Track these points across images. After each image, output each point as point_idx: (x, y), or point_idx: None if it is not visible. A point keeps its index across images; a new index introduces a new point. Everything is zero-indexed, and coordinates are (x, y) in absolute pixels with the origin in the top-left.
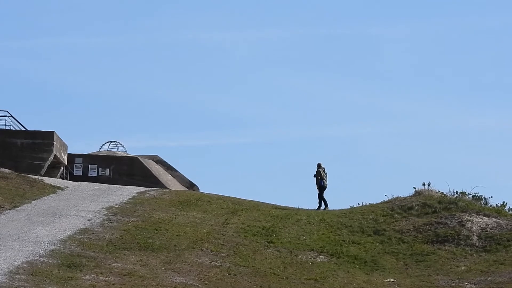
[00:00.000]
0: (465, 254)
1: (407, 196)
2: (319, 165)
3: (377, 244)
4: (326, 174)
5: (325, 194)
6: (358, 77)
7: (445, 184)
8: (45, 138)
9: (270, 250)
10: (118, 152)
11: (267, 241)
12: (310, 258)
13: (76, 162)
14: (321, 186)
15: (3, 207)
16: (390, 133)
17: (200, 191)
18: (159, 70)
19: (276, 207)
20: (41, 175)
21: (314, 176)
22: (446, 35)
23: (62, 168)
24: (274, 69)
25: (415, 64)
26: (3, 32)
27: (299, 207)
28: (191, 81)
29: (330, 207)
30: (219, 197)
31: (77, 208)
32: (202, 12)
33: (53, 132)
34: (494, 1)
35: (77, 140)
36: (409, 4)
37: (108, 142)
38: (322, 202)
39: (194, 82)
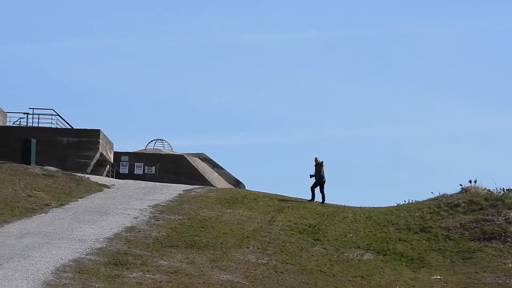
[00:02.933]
0: None
1: (454, 194)
2: (316, 160)
3: (424, 241)
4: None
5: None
6: (399, 78)
7: (492, 181)
8: (91, 136)
9: (316, 248)
10: (164, 150)
11: (313, 239)
12: (357, 256)
13: (122, 160)
14: (321, 179)
15: (49, 205)
16: (436, 133)
17: (246, 188)
18: (204, 70)
19: (322, 205)
20: (87, 173)
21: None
22: (486, 35)
23: (108, 166)
24: (312, 70)
25: (457, 64)
26: (50, 32)
27: (345, 205)
28: (234, 82)
29: (381, 205)
30: (265, 195)
31: (124, 206)
32: (239, 14)
33: (99, 130)
34: None
35: (123, 138)
36: (446, 3)
37: (154, 140)
38: (319, 195)
39: (237, 82)
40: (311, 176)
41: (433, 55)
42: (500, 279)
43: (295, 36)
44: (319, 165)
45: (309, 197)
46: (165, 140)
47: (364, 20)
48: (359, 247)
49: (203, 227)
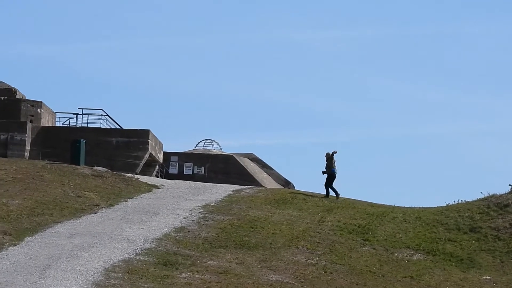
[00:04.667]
0: None
1: (503, 194)
2: (327, 155)
3: (473, 241)
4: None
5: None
6: (452, 76)
7: None
8: (141, 137)
9: (366, 248)
10: (214, 151)
11: (363, 239)
12: (406, 256)
13: (171, 160)
14: (331, 174)
15: (99, 205)
16: (486, 132)
17: (295, 189)
18: (253, 69)
19: (372, 205)
20: (136, 174)
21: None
22: None
23: (157, 166)
24: (366, 68)
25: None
26: (99, 32)
27: (395, 205)
28: (285, 80)
29: (431, 205)
30: (314, 195)
31: (173, 206)
32: (293, 11)
33: (149, 130)
34: None
35: (173, 139)
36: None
37: (203, 140)
38: (331, 191)
39: (287, 81)
40: (323, 172)
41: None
42: None
43: (347, 34)
44: (330, 159)
45: (333, 194)
46: (214, 140)
47: (419, 19)
48: (408, 247)
49: (252, 228)
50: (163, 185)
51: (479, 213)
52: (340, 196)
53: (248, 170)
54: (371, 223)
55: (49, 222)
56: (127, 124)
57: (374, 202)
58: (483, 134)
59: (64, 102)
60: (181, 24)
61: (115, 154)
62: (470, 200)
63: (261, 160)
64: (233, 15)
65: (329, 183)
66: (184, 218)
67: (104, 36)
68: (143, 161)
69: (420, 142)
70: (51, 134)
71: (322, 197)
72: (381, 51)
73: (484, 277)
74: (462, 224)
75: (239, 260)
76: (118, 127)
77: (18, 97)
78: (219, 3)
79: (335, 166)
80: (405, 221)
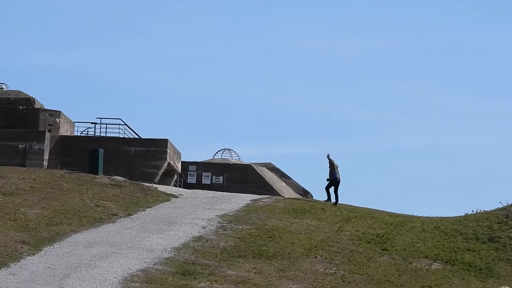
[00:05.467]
0: None
1: None
2: (328, 156)
3: (492, 251)
4: (337, 166)
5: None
6: (472, 84)
7: None
8: (159, 146)
9: (384, 258)
10: (232, 160)
11: (381, 249)
12: (425, 266)
13: (190, 169)
14: (334, 179)
15: (117, 215)
16: (505, 141)
17: (314, 198)
18: (272, 78)
19: (390, 215)
20: (155, 183)
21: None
22: None
23: (176, 175)
24: (385, 77)
25: None
26: (118, 41)
27: (413, 214)
28: (303, 89)
29: (449, 214)
30: (333, 205)
31: (191, 216)
32: (316, 20)
33: (167, 140)
34: None
35: (191, 148)
36: None
37: (221, 149)
38: (333, 196)
39: (306, 89)
40: (327, 180)
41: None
42: None
43: (365, 43)
44: (331, 165)
45: (332, 200)
46: (232, 150)
47: (444, 27)
48: (427, 257)
49: (270, 237)
50: (181, 195)
51: (497, 223)
52: (338, 204)
53: (267, 179)
54: (390, 233)
55: (68, 232)
56: (145, 133)
57: (393, 211)
58: (502, 143)
59: (82, 111)
60: (199, 32)
61: (133, 164)
62: (489, 210)
63: (279, 170)
64: (248, 23)
65: (330, 188)
66: (202, 227)
67: (123, 45)
68: (162, 170)
69: (438, 151)
70: (69, 143)
71: (323, 201)
72: (401, 59)
73: (503, 287)
74: (480, 233)
75: (257, 270)
76: (137, 137)
77: (36, 106)
78: (237, 11)
79: (337, 172)
80: (424, 231)
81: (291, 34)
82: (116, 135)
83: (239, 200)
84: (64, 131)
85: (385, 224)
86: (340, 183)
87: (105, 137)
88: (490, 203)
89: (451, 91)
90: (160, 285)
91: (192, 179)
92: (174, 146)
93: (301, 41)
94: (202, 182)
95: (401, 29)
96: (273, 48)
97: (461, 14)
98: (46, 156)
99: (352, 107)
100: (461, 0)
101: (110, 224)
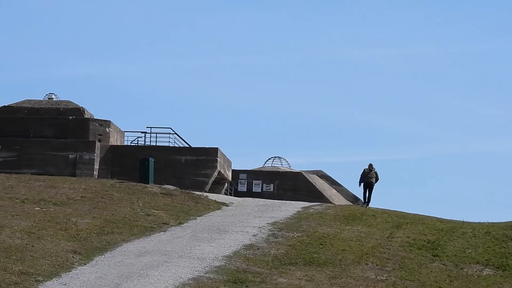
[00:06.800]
0: None
1: None
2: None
3: None
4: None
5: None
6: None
7: None
8: (209, 155)
9: (435, 264)
10: (282, 168)
11: (432, 255)
12: (476, 271)
13: (240, 178)
14: (366, 183)
15: (168, 224)
16: None
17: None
18: (320, 87)
19: (441, 221)
20: (205, 192)
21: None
22: None
23: (226, 184)
24: (427, 85)
25: None
26: (167, 51)
27: (464, 220)
28: (352, 98)
29: (500, 220)
30: (383, 211)
31: (242, 224)
32: (355, 30)
33: (217, 148)
34: None
35: (241, 156)
36: None
37: (272, 157)
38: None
39: (355, 99)
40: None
41: None
42: None
43: (409, 52)
44: (369, 171)
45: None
46: (283, 158)
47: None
48: (478, 263)
49: (321, 244)
50: (232, 203)
51: None
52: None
53: (317, 187)
54: (441, 239)
55: (119, 241)
56: (196, 142)
57: (443, 217)
58: None
59: (132, 121)
60: (247, 43)
61: (184, 172)
62: None
63: (330, 177)
64: (293, 34)
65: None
66: (253, 235)
67: (172, 55)
68: (212, 179)
69: (487, 158)
70: (119, 153)
71: (361, 205)
72: (446, 68)
73: None
74: None
75: (308, 277)
76: (187, 146)
77: (86, 116)
78: (281, 23)
79: (372, 176)
80: (475, 237)
81: (335, 44)
82: (166, 144)
83: (289, 208)
84: (114, 140)
85: (436, 230)
86: (373, 187)
87: (155, 146)
88: None
89: (494, 98)
90: None
91: (242, 187)
92: (224, 155)
93: (345, 51)
94: (253, 190)
95: (444, 39)
96: (316, 58)
97: (501, 23)
98: (96, 166)
99: (401, 116)
100: (497, 9)
101: (161, 233)
